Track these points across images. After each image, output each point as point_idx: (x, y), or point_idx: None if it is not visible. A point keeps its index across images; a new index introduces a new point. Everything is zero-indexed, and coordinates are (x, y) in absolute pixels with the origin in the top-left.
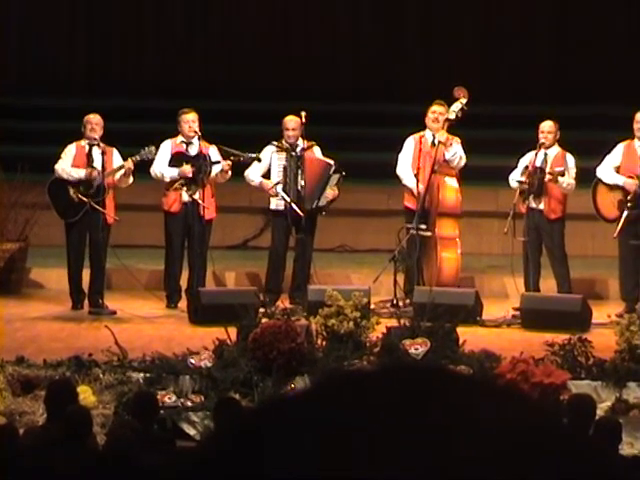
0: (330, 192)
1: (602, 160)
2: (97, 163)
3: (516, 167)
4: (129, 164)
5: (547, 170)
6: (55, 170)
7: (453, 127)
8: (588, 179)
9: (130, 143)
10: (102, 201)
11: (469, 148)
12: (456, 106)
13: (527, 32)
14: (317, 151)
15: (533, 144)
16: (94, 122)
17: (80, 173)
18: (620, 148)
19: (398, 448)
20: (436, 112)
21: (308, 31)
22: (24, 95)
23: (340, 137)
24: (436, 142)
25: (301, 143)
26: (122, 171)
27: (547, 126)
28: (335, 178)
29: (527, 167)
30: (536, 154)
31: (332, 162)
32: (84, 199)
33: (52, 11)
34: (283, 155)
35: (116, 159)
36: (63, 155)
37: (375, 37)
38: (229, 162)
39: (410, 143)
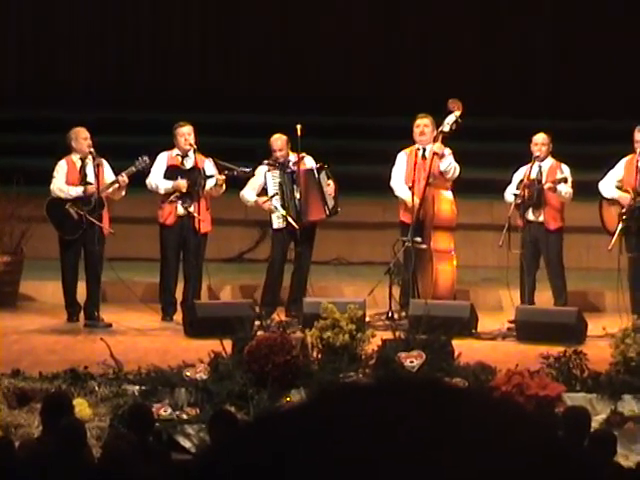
0: (329, 189)
1: (605, 174)
2: (90, 177)
3: (510, 181)
4: (124, 178)
5: (544, 180)
6: (51, 190)
7: (448, 139)
8: (583, 192)
9: (121, 157)
10: (99, 214)
11: (465, 161)
12: (450, 119)
13: (523, 47)
14: (308, 160)
15: (528, 157)
16: (86, 136)
17: (78, 191)
18: (622, 163)
19: (392, 463)
20: (420, 125)
21: (305, 45)
22: (20, 108)
23: (336, 150)
24: (427, 154)
25: (293, 157)
26: (116, 185)
27: (540, 138)
28: (323, 176)
29: (522, 181)
30: (531, 167)
31: (312, 166)
32: (82, 214)
33: (55, 24)
34: (277, 172)
35: (107, 171)
36: (55, 173)
37: (372, 50)
38: (223, 176)
39: (402, 157)
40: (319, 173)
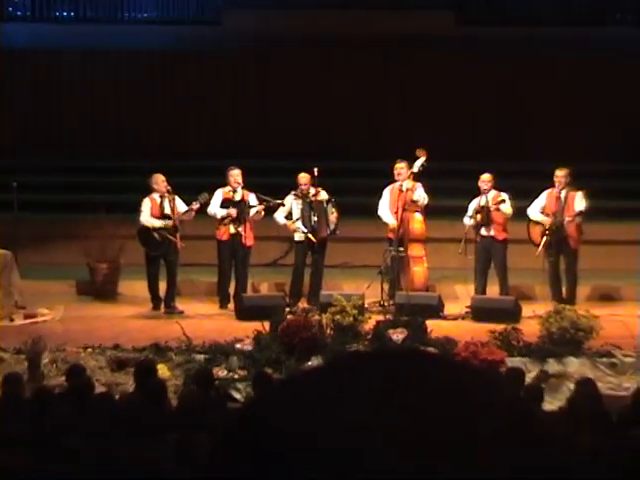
0: (332, 217)
1: (532, 202)
2: (167, 210)
3: (467, 209)
4: (196, 206)
5: (491, 204)
6: (140, 221)
7: (418, 177)
8: (518, 215)
9: (188, 193)
10: (174, 235)
11: (432, 193)
12: (418, 162)
13: (474, 107)
14: (323, 194)
15: (477, 190)
16: (164, 179)
17: (160, 223)
18: (544, 194)
19: (386, 410)
20: (397, 169)
21: (322, 111)
22: (113, 158)
23: (343, 186)
24: (404, 189)
25: (312, 191)
26: (189, 212)
27: (486, 177)
28: (330, 207)
29: (475, 208)
30: (480, 198)
31: (324, 199)
32: (163, 235)
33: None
34: (300, 201)
35: (179, 204)
36: (143, 208)
37: (367, 114)
38: (262, 206)
39: (387, 192)
40: (327, 204)
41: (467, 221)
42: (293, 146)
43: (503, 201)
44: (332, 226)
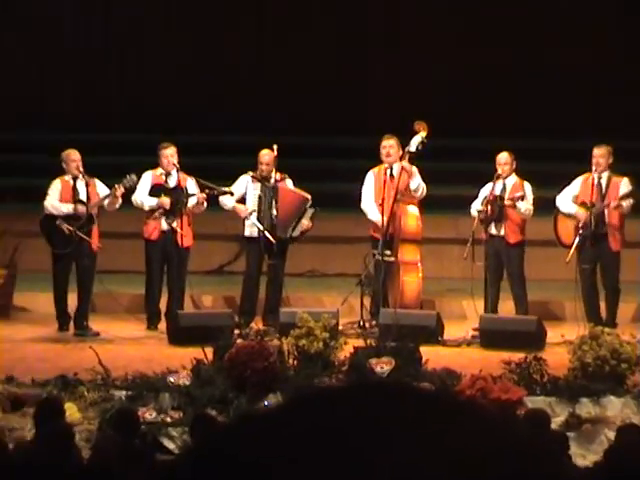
0: (305, 224)
1: (561, 190)
2: (82, 195)
3: (477, 197)
4: (120, 190)
5: (506, 197)
6: (45, 207)
7: (414, 158)
8: (543, 208)
9: (109, 175)
10: (89, 230)
11: (431, 179)
12: (416, 139)
13: (485, 68)
14: (289, 183)
15: (491, 175)
16: (76, 158)
17: (69, 208)
18: (579, 180)
19: (363, 464)
20: (386, 147)
21: (282, 69)
22: (13, 129)
23: (310, 169)
24: (394, 173)
25: (274, 175)
26: (110, 198)
27: (503, 158)
28: (310, 212)
29: (486, 197)
30: (494, 184)
31: (309, 197)
32: (73, 230)
33: (32, 45)
34: (258, 185)
35: (100, 188)
36: (50, 191)
37: (345, 76)
38: (204, 195)
39: (370, 177)
40: (308, 207)
41: (476, 213)
42: (245, 114)
43: (522, 198)
44: (296, 232)
